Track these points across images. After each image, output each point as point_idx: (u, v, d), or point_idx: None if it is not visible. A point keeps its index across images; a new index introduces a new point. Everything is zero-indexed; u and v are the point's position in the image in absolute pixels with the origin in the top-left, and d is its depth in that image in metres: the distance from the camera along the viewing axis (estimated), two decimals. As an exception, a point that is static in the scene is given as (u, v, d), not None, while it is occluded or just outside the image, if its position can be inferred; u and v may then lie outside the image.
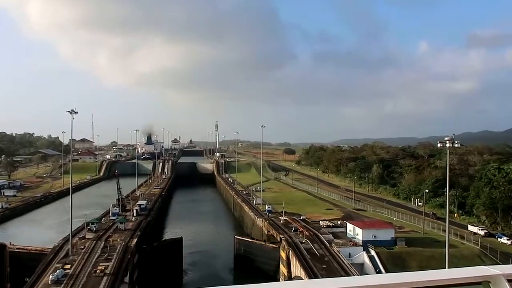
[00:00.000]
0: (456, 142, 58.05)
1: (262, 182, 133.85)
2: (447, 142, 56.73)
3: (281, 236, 73.47)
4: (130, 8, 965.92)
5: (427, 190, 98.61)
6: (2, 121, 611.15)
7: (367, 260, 65.28)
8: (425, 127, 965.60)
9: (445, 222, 57.21)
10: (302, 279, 53.43)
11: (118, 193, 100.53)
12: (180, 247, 74.02)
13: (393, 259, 65.50)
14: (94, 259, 59.49)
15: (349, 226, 75.98)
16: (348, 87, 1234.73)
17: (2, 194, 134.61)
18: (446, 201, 63.59)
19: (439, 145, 62.44)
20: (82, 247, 65.24)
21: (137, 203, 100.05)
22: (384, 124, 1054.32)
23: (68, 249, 62.60)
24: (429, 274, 3.13)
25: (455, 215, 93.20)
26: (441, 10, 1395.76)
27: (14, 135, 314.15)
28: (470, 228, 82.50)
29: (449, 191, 59.37)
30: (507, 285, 2.97)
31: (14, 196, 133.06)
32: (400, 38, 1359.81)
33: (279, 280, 64.54)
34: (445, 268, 43.86)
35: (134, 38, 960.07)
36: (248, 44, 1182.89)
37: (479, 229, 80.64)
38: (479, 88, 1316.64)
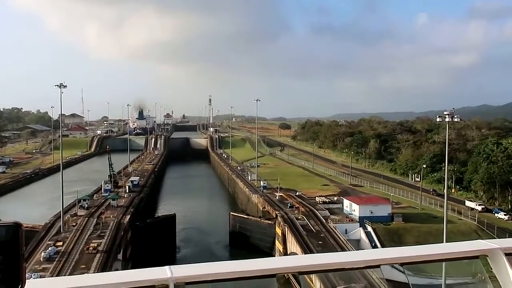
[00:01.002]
0: (455, 116, 56.80)
1: (257, 157, 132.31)
2: (447, 116, 55.46)
3: (276, 212, 72.63)
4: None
5: (424, 166, 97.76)
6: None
7: (363, 236, 64.78)
8: (423, 101, 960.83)
9: (444, 199, 56.31)
10: (298, 255, 52.58)
11: (109, 169, 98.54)
12: (174, 223, 73.38)
13: (390, 235, 65.28)
14: (87, 236, 58.94)
15: (346, 202, 75.47)
16: (345, 61, 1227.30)
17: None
18: (444, 177, 62.62)
19: (438, 119, 61.25)
20: (74, 224, 64.47)
21: (130, 180, 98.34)
22: (381, 98, 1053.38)
23: (60, 226, 61.82)
24: (427, 248, 3.07)
25: (453, 190, 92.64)
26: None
27: (1, 110, 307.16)
28: (468, 203, 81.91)
29: (447, 166, 58.20)
30: (505, 258, 2.93)
31: (3, 172, 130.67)
32: (400, 10, 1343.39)
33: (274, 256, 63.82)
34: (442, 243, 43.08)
35: (125, 8, 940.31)
36: (243, 15, 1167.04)
37: (476, 205, 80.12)
38: (478, 61, 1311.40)
